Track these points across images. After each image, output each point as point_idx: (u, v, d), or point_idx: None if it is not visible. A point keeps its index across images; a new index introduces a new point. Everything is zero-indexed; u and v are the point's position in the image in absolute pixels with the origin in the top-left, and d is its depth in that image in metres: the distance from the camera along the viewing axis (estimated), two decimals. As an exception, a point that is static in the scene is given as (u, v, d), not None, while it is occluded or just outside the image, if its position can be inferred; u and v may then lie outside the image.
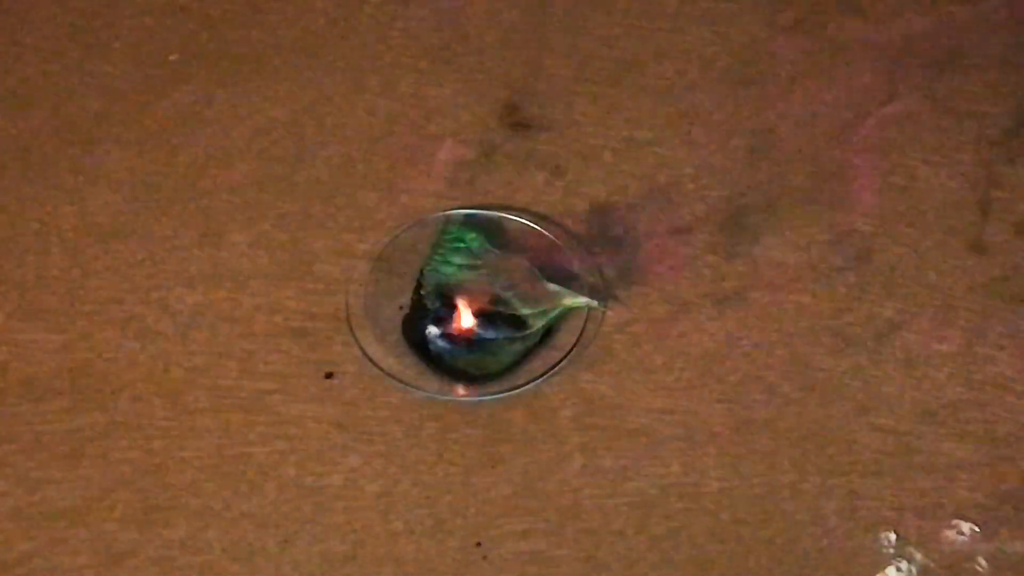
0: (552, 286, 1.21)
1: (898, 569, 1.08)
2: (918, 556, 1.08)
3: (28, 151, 1.34)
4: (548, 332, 1.20)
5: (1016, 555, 1.09)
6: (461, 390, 1.17)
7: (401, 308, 1.22)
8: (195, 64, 1.41)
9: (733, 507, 1.11)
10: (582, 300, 1.20)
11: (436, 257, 1.21)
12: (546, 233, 1.26)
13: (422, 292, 1.19)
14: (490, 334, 1.18)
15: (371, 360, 1.18)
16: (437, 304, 1.19)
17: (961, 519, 1.10)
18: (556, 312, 1.19)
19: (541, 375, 1.17)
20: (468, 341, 1.18)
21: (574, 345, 1.19)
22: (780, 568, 1.08)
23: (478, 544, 1.10)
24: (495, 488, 1.12)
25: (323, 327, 1.21)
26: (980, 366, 1.19)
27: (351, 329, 1.20)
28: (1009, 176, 1.31)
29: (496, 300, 1.20)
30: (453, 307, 1.19)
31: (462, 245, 1.22)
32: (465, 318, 1.18)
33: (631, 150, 1.34)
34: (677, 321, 1.22)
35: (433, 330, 1.18)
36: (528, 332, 1.18)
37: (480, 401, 1.17)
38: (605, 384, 1.18)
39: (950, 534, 1.10)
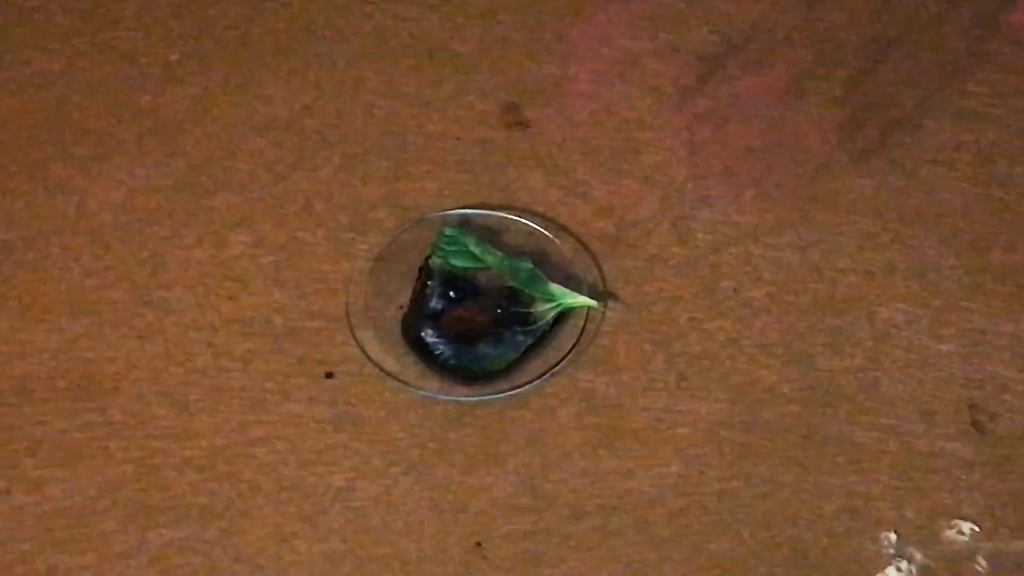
0: (552, 286, 1.21)
1: (898, 569, 1.08)
2: (918, 556, 1.08)
3: (28, 151, 1.34)
4: (548, 332, 1.20)
5: (1016, 555, 1.09)
6: (461, 390, 1.17)
7: (401, 308, 1.22)
8: (195, 64, 1.41)
9: (733, 507, 1.11)
10: (582, 300, 1.20)
11: (437, 259, 1.21)
12: (546, 233, 1.26)
13: (427, 292, 1.19)
14: (491, 332, 1.18)
15: (371, 360, 1.18)
16: (440, 303, 1.19)
17: (961, 519, 1.10)
18: (556, 311, 1.20)
19: (541, 375, 1.17)
20: (468, 340, 1.18)
21: (574, 345, 1.19)
22: (780, 568, 1.08)
23: (478, 544, 1.10)
24: (495, 488, 1.12)
25: (323, 327, 1.21)
26: (980, 366, 1.19)
27: (351, 329, 1.20)
28: (1009, 176, 1.31)
29: (497, 298, 1.20)
30: (455, 306, 1.19)
31: (463, 249, 1.22)
32: (466, 317, 1.19)
33: (631, 150, 1.34)
34: (677, 321, 1.22)
35: (431, 330, 1.18)
36: (528, 330, 1.18)
37: (480, 401, 1.17)
38: (605, 384, 1.18)
39: (950, 534, 1.10)
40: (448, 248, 1.22)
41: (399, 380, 1.17)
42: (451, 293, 1.19)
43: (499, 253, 1.23)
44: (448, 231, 1.23)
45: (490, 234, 1.26)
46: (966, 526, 1.10)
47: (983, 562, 1.08)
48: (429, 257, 1.22)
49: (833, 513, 1.11)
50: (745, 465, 1.13)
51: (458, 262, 1.21)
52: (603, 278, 1.24)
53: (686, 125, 1.35)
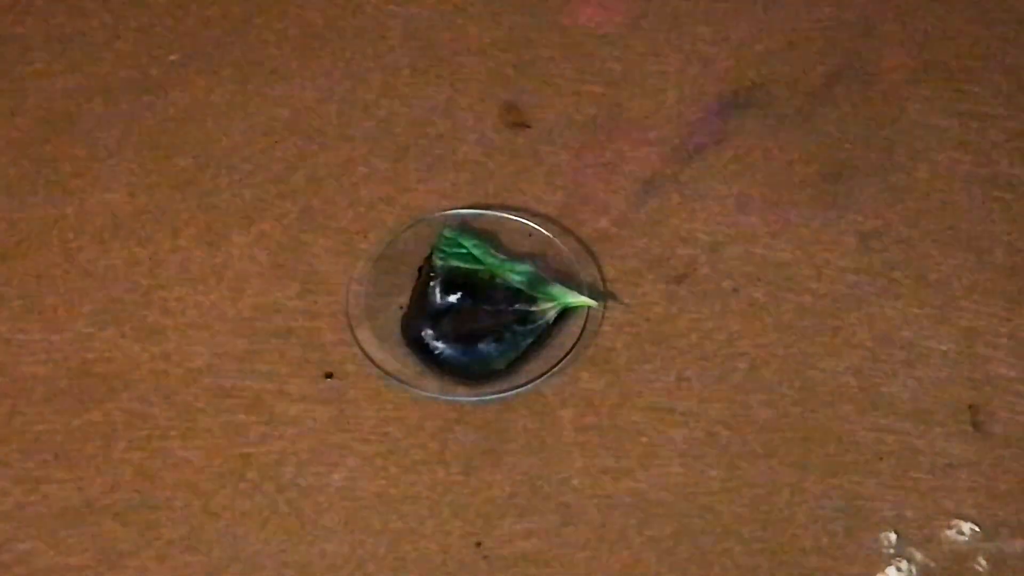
0: (552, 286, 1.21)
1: (898, 569, 1.08)
2: (918, 556, 1.08)
3: (28, 151, 1.34)
4: (548, 332, 1.20)
5: (1016, 555, 1.09)
6: (461, 390, 1.17)
7: (401, 308, 1.22)
8: (195, 64, 1.41)
9: (733, 507, 1.11)
10: (582, 300, 1.20)
11: (437, 259, 1.21)
12: (546, 233, 1.26)
13: (427, 292, 1.19)
14: (491, 332, 1.18)
15: (371, 360, 1.18)
16: (440, 303, 1.19)
17: (961, 519, 1.10)
18: (556, 311, 1.20)
19: (541, 375, 1.17)
20: (468, 340, 1.18)
21: (574, 345, 1.19)
22: (780, 568, 1.08)
23: (478, 544, 1.10)
24: (495, 488, 1.12)
25: (323, 327, 1.21)
26: (980, 366, 1.19)
27: (351, 329, 1.20)
28: (1009, 176, 1.31)
29: (497, 298, 1.20)
30: (455, 306, 1.19)
31: (463, 251, 1.22)
32: (466, 317, 1.19)
33: (631, 149, 1.34)
34: (677, 321, 1.22)
35: (431, 330, 1.18)
36: (528, 330, 1.18)
37: (480, 401, 1.17)
38: (605, 384, 1.18)
39: (950, 534, 1.10)
40: (448, 249, 1.22)
41: (399, 380, 1.17)
42: (451, 293, 1.19)
43: (499, 253, 1.23)
44: (448, 232, 1.23)
45: (490, 235, 1.26)
46: (966, 526, 1.10)
47: (983, 562, 1.08)
48: (429, 257, 1.22)
49: (833, 513, 1.11)
50: (745, 465, 1.13)
51: (458, 263, 1.21)
52: (603, 278, 1.24)
53: (687, 124, 1.35)
